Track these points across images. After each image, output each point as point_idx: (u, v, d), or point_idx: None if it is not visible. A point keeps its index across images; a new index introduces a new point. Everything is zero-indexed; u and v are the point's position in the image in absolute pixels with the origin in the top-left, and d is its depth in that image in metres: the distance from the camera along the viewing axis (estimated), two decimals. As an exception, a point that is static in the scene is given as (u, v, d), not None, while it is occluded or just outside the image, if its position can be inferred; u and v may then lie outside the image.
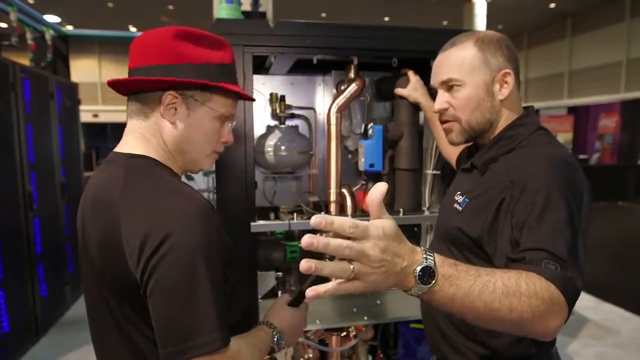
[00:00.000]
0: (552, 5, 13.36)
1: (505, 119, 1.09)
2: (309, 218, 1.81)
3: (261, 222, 1.70)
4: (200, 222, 0.80)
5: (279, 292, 1.80)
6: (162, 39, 0.89)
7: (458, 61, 1.07)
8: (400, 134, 1.82)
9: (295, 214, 2.04)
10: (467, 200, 1.06)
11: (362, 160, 1.82)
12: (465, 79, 1.06)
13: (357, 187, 2.14)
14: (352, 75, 1.91)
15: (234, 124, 1.02)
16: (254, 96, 1.67)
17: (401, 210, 1.81)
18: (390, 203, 2.00)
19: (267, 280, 1.83)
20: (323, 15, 14.17)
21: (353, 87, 1.82)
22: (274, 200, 2.17)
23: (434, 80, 1.14)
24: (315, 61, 1.74)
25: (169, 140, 0.93)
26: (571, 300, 0.81)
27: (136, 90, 0.92)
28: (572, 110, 13.22)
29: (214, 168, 1.66)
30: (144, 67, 0.89)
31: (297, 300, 1.10)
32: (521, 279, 0.77)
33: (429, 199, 1.88)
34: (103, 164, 0.96)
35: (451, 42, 1.11)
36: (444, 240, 1.13)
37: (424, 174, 1.89)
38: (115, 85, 0.92)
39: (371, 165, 1.80)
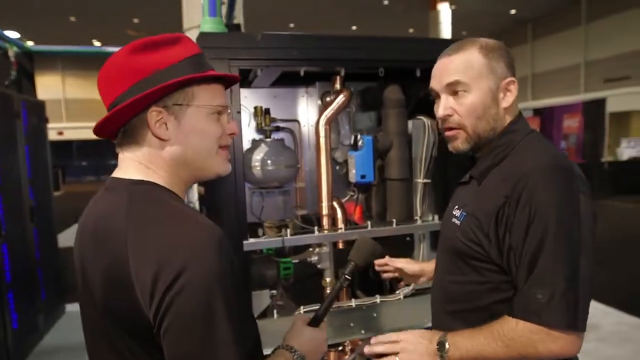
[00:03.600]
0: (513, 11, 13.83)
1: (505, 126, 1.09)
2: (301, 233, 1.78)
3: (253, 240, 1.65)
4: (216, 251, 0.75)
5: (275, 311, 1.75)
6: (119, 62, 0.84)
7: (465, 65, 1.05)
8: (389, 144, 1.81)
9: (283, 229, 2.00)
10: (465, 213, 1.05)
11: (353, 171, 1.80)
12: (472, 85, 1.04)
13: (346, 199, 2.11)
14: (338, 86, 1.89)
15: (230, 113, 0.95)
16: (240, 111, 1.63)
17: (394, 220, 1.79)
18: (381, 214, 1.98)
19: (261, 299, 1.78)
20: (291, 25, 14.23)
21: (341, 98, 1.80)
22: (262, 215, 2.13)
23: (438, 84, 1.09)
24: (302, 74, 1.71)
25: (170, 157, 0.87)
26: (560, 322, 0.89)
27: (121, 124, 0.86)
28: (537, 112, 13.65)
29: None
30: (117, 99, 0.84)
31: (317, 319, 1.05)
32: (494, 329, 0.96)
33: (420, 208, 1.87)
34: (101, 190, 0.89)
35: (454, 48, 1.09)
36: (449, 254, 1.11)
37: (415, 183, 1.88)
38: (100, 130, 0.87)
39: (363, 177, 1.78)
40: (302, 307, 1.78)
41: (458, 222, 1.06)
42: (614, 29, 12.12)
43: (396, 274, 1.50)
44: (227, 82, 0.96)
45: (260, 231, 2.12)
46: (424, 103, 1.91)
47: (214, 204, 1.59)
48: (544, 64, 14.69)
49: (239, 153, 1.61)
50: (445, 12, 12.28)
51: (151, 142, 0.87)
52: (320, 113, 1.82)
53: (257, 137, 2.08)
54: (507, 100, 1.06)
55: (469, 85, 1.04)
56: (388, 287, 2.07)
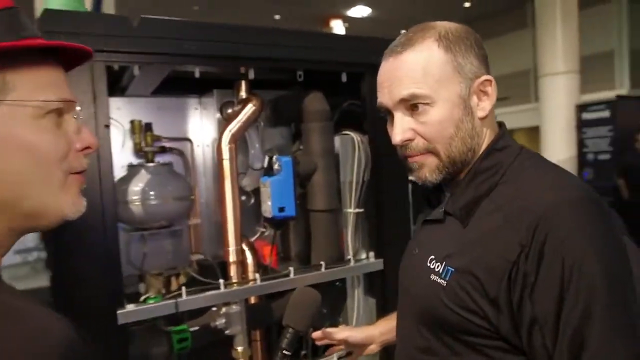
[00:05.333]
0: (403, 32, 14.80)
1: (486, 143, 0.86)
2: (202, 290, 1.41)
3: (133, 306, 1.24)
4: None
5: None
6: None
7: (420, 69, 0.81)
8: (313, 167, 1.54)
9: (174, 280, 1.63)
10: (452, 269, 0.80)
11: (269, 203, 1.48)
12: (435, 95, 0.81)
13: (255, 237, 1.79)
14: (244, 94, 1.58)
15: (79, 114, 0.62)
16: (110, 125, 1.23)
17: (322, 263, 1.50)
18: (303, 255, 1.69)
19: (147, 389, 1.35)
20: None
21: (250, 109, 1.50)
22: (143, 265, 1.70)
23: (389, 99, 0.84)
24: (197, 74, 1.37)
25: None
26: None
27: None
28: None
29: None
30: None
31: None
32: None
33: (352, 245, 1.61)
34: None
35: (403, 42, 0.83)
36: (426, 325, 0.85)
37: (344, 214, 1.63)
38: None
39: (281, 210, 1.48)
40: (205, 392, 1.40)
41: (442, 282, 0.80)
42: (493, 52, 13.53)
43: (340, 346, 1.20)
44: (68, 62, 0.62)
45: (141, 287, 1.70)
46: (350, 115, 1.69)
47: (67, 259, 1.16)
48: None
49: (109, 183, 1.21)
50: (338, 29, 12.67)
51: None
52: (223, 128, 1.49)
53: (135, 161, 1.68)
54: (483, 107, 0.84)
55: (430, 97, 0.81)
56: (310, 343, 1.78)
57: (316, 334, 1.18)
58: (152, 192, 1.57)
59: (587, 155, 6.16)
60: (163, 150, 1.74)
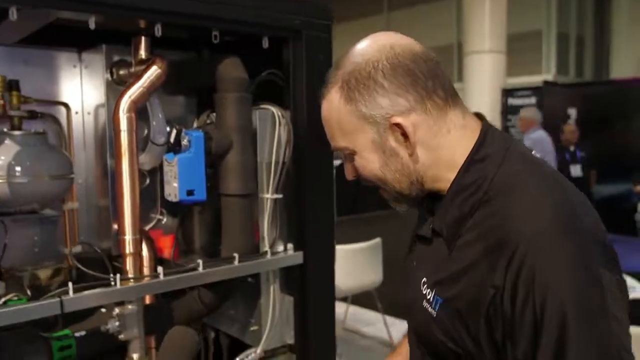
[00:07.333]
0: (311, -13, 15.04)
1: (445, 163, 0.95)
2: (91, 286, 1.42)
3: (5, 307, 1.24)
4: None
5: None
6: None
7: (334, 123, 0.99)
8: (227, 144, 1.61)
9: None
10: (441, 300, 0.93)
11: (175, 185, 1.54)
12: (352, 145, 0.98)
13: (150, 226, 1.82)
14: (143, 53, 1.61)
15: None
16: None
17: (236, 256, 1.59)
18: (209, 247, 1.76)
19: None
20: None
21: (154, 71, 1.53)
22: (2, 260, 1.67)
23: None
24: (92, 26, 1.39)
25: None
26: None
27: None
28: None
29: None
30: None
31: None
32: None
33: (269, 236, 1.71)
34: None
35: (324, 87, 1.00)
36: (428, 352, 1.00)
37: (260, 200, 1.72)
38: None
39: (190, 193, 1.54)
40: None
41: (433, 312, 0.94)
42: (415, 21, 14.25)
43: None
44: None
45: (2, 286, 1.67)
46: (269, 87, 1.78)
47: None
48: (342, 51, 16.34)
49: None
50: None
51: None
52: (121, 94, 1.50)
53: (-4, 128, 1.64)
54: (406, 145, 0.94)
55: (349, 148, 0.99)
56: None
57: None
58: (19, 168, 1.54)
59: (511, 146, 6.84)
60: (32, 116, 1.70)
